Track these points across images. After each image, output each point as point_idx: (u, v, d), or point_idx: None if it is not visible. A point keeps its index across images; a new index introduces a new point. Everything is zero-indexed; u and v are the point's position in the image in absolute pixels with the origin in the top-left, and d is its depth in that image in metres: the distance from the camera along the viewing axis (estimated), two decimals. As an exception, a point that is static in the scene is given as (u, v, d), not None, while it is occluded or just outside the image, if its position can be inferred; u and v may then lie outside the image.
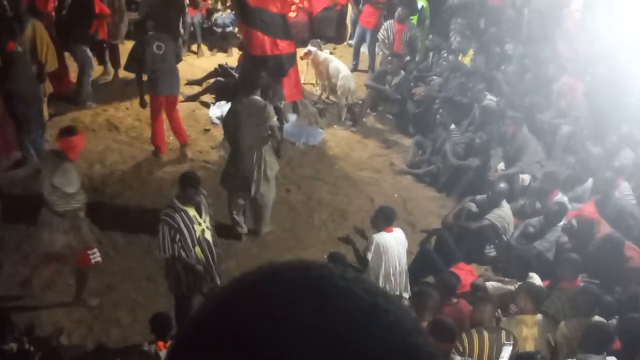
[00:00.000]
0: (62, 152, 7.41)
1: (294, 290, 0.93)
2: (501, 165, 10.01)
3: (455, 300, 7.11)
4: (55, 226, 7.42)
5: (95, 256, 7.61)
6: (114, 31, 12.18)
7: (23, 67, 9.73)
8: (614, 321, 6.92)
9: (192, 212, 6.99)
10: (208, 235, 7.11)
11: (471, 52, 12.55)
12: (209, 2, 14.69)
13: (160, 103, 10.22)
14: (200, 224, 7.00)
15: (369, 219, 8.12)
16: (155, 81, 10.03)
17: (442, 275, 7.73)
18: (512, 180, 9.65)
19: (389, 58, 12.84)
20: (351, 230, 8.37)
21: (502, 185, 8.83)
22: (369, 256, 7.57)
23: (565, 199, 8.83)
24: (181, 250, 6.87)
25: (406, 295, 7.74)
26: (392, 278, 7.62)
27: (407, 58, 13.06)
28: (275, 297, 0.92)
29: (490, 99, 11.01)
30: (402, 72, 12.33)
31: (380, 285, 7.51)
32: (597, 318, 6.62)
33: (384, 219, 7.73)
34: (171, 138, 11.05)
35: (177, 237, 6.86)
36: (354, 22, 15.25)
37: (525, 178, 9.82)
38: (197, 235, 6.98)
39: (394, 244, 7.61)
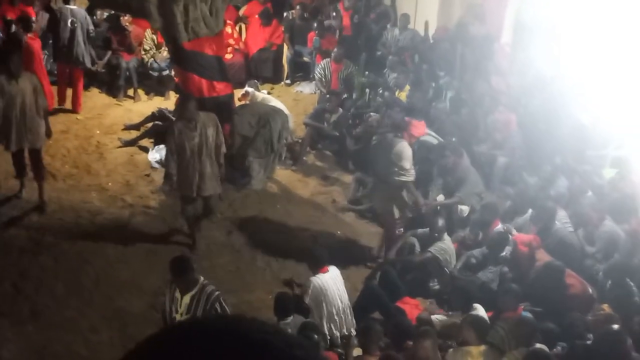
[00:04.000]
0: (397, 133, 9.30)
1: (211, 345, 0.93)
2: (440, 197, 10.13)
3: (410, 343, 7.07)
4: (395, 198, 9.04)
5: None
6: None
7: None
8: (559, 348, 7.04)
9: (177, 294, 6.89)
10: None
11: (408, 87, 12.73)
12: (145, 46, 14.64)
13: None
14: (178, 311, 6.88)
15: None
16: None
17: (388, 314, 7.75)
18: (450, 210, 9.77)
19: (327, 96, 12.96)
20: (295, 271, 8.36)
21: (441, 220, 8.92)
22: (307, 299, 7.56)
23: (506, 228, 8.95)
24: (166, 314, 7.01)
25: (353, 331, 7.74)
26: (335, 317, 7.61)
27: (345, 96, 13.20)
28: (192, 353, 0.92)
29: (428, 134, 11.14)
30: (340, 110, 12.45)
31: (325, 325, 7.50)
32: (538, 346, 6.70)
33: (316, 261, 7.75)
34: (110, 184, 10.96)
35: (163, 301, 7.07)
36: (290, 62, 15.38)
37: (464, 209, 9.93)
38: (173, 316, 6.92)
39: (331, 284, 7.61)
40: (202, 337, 0.94)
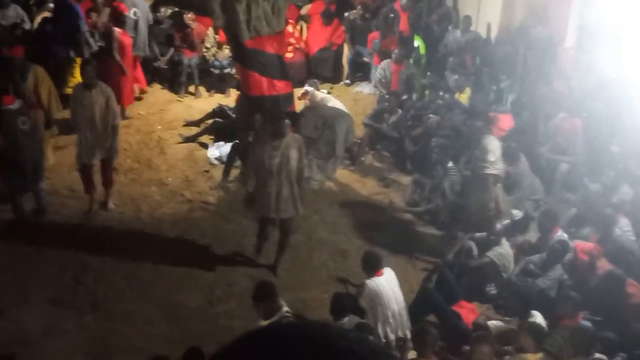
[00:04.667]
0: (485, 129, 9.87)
1: (297, 352, 0.92)
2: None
3: (467, 348, 7.01)
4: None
5: None
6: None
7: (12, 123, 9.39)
8: (619, 359, 6.91)
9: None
10: None
11: (468, 89, 12.62)
12: (207, 44, 14.78)
13: None
14: None
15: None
16: None
17: (445, 317, 7.70)
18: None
19: (386, 97, 12.92)
20: (351, 271, 8.34)
21: (499, 224, 8.83)
22: (362, 302, 7.53)
23: (565, 236, 8.82)
24: None
25: (408, 334, 7.69)
26: (390, 320, 7.55)
27: (404, 97, 13.13)
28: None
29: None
30: (399, 111, 12.40)
31: (380, 328, 7.47)
32: (598, 356, 6.59)
33: (371, 265, 7.69)
34: (169, 179, 11.10)
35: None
36: (351, 62, 15.37)
37: (515, 213, 9.80)
38: None
39: (387, 287, 7.56)
40: (288, 345, 0.94)
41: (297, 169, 8.69)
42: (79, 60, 12.26)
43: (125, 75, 12.31)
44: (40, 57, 11.35)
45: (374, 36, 15.10)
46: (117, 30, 12.33)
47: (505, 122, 10.18)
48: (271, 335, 0.98)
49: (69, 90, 11.84)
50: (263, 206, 8.78)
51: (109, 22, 12.71)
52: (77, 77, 12.08)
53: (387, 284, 7.62)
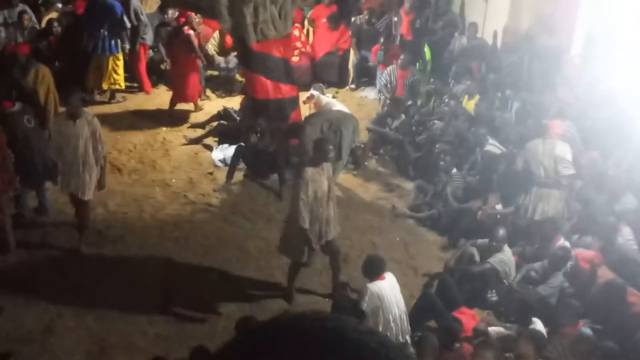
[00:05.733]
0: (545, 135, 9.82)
1: (309, 342, 0.94)
2: (499, 207, 10.01)
3: (457, 345, 7.08)
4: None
5: None
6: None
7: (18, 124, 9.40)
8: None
9: None
10: None
11: (477, 97, 12.58)
12: (210, 45, 14.82)
13: None
14: None
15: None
16: None
17: (444, 321, 7.70)
18: (505, 220, 9.67)
19: (389, 102, 12.93)
20: (352, 275, 8.33)
21: (502, 231, 8.81)
22: (364, 306, 7.52)
23: (567, 243, 8.80)
24: None
25: (407, 338, 7.69)
26: (391, 324, 7.56)
27: (409, 102, 13.13)
28: (290, 349, 0.93)
29: (492, 144, 11.03)
30: (403, 116, 12.38)
31: (381, 331, 7.48)
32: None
33: (373, 269, 7.69)
34: (173, 180, 11.12)
35: None
36: (356, 67, 15.38)
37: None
38: None
39: (388, 291, 7.56)
40: (300, 335, 0.95)
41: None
42: (121, 55, 13.25)
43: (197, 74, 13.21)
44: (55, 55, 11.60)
45: (378, 48, 15.08)
46: (191, 32, 12.89)
47: (558, 127, 10.13)
48: (283, 326, 0.99)
49: (105, 86, 13.22)
50: (315, 235, 8.31)
51: (180, 24, 13.17)
52: (120, 74, 13.25)
53: (389, 288, 7.63)
